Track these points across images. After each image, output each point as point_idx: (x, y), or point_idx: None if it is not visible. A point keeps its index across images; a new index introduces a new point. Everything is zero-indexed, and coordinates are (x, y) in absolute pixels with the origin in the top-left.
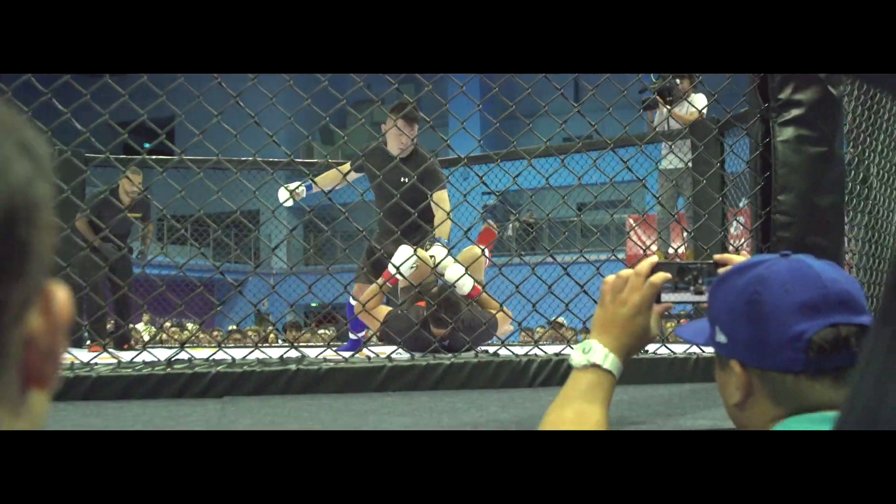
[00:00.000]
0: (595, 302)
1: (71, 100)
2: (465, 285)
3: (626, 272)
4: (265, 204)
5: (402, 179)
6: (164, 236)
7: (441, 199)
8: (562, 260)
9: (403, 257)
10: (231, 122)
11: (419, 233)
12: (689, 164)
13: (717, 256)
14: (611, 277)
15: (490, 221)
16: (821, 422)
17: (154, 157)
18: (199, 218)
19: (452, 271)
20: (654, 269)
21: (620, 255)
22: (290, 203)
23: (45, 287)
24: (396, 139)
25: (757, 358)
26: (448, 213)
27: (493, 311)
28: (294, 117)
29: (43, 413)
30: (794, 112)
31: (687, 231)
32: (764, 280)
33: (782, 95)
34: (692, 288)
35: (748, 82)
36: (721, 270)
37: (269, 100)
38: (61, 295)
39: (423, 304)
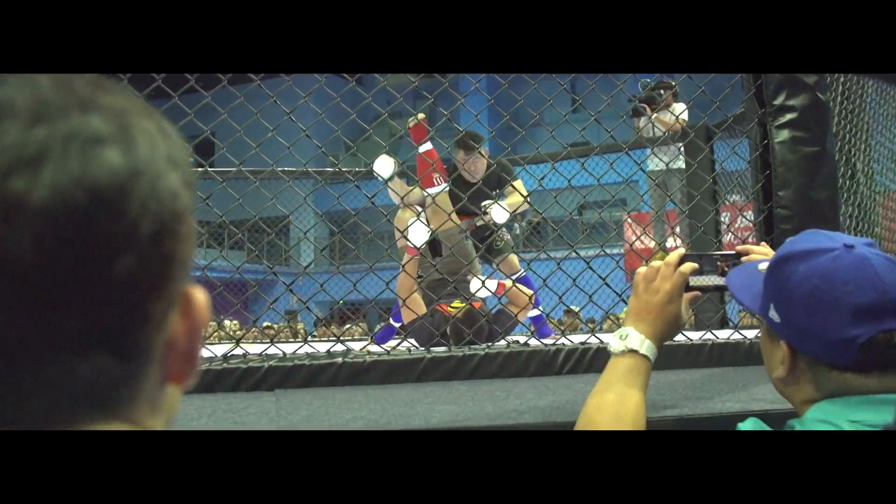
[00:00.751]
0: (617, 294)
1: None
2: (486, 286)
3: (657, 263)
4: (314, 209)
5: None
6: (204, 241)
7: (514, 195)
8: (568, 255)
9: (417, 233)
10: (265, 134)
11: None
12: (682, 166)
13: (740, 247)
14: (643, 269)
15: (419, 116)
16: (857, 404)
17: (208, 169)
18: (230, 222)
19: (478, 286)
20: (683, 259)
21: (616, 251)
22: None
23: (186, 290)
24: (464, 170)
25: (808, 347)
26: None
27: (519, 307)
28: (325, 130)
29: (176, 406)
30: (788, 116)
31: (677, 226)
32: (826, 275)
33: (777, 101)
34: (718, 273)
35: (745, 90)
36: (744, 259)
37: (318, 115)
38: (200, 297)
39: (445, 307)
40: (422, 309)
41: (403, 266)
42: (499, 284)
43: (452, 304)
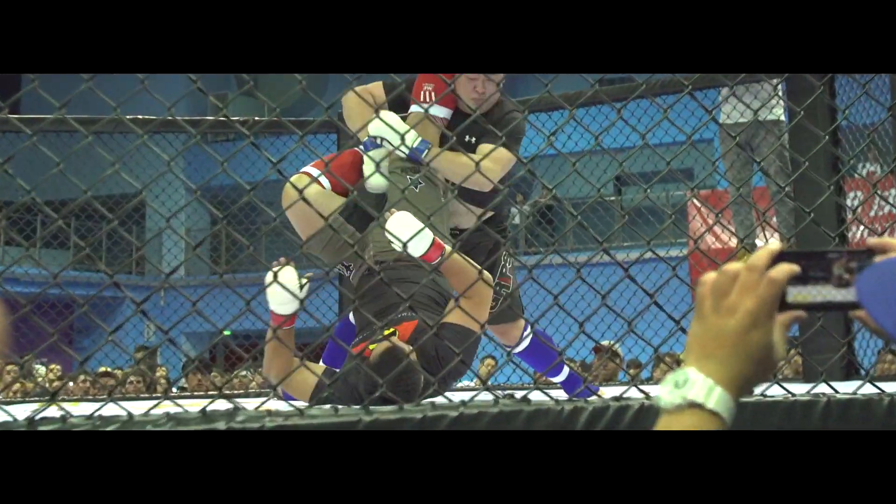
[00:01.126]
0: (674, 321)
1: None
2: (417, 247)
3: (733, 266)
4: (185, 181)
5: (467, 139)
6: (2, 233)
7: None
8: (594, 258)
9: (280, 297)
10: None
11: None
12: (781, 117)
13: (871, 241)
14: (710, 275)
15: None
16: None
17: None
18: (45, 203)
19: (396, 223)
20: (776, 259)
21: (675, 251)
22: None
23: None
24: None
25: None
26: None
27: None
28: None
29: None
30: None
31: (772, 213)
32: None
33: None
34: (835, 282)
35: None
36: (879, 259)
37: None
38: None
39: (367, 352)
40: (308, 382)
41: (275, 331)
42: (434, 243)
43: (374, 341)
